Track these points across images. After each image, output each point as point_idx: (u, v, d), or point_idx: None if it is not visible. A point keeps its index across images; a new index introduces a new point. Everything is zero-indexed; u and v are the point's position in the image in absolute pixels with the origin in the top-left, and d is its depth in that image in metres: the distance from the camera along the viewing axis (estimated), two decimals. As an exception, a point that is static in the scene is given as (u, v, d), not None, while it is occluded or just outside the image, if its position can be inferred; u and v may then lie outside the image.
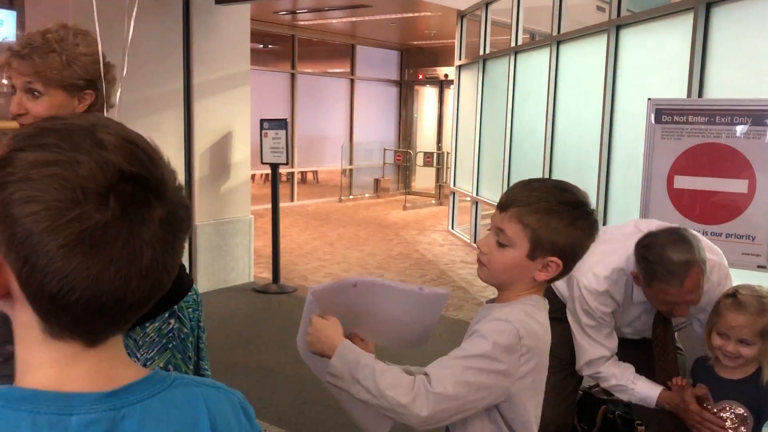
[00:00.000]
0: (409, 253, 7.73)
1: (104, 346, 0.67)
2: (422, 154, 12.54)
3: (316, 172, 13.56)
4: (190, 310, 2.02)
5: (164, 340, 1.95)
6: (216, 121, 5.81)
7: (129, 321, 0.67)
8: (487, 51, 7.93)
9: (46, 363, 0.64)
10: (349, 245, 8.18)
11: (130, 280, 0.62)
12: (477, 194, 8.05)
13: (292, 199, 11.55)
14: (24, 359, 0.65)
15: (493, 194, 7.54)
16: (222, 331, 4.79)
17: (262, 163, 6.09)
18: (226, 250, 5.99)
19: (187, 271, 2.12)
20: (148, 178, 0.63)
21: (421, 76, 13.22)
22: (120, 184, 0.61)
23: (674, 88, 4.09)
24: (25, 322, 0.64)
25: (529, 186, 1.49)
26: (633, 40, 4.78)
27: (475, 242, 8.09)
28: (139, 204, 0.62)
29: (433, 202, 12.05)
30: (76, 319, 0.63)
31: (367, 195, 12.74)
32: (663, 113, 3.46)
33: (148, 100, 5.26)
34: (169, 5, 5.32)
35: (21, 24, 7.81)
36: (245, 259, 6.19)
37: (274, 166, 6.01)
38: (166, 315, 1.96)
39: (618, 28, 4.87)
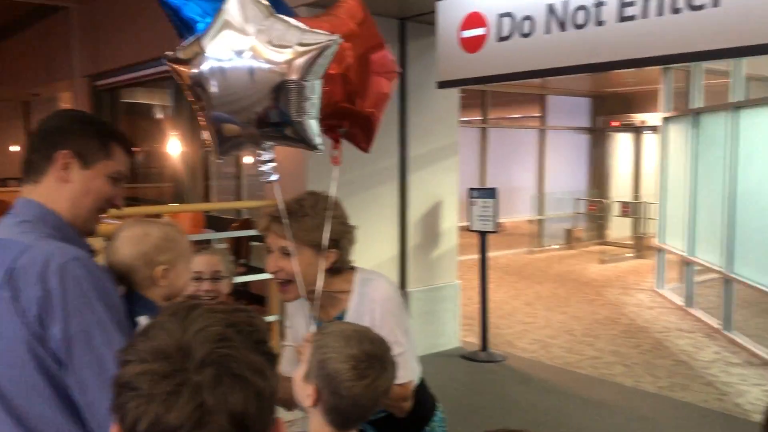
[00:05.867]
0: (616, 318, 7.39)
1: None
2: (618, 203, 12.04)
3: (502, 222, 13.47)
4: (440, 429, 2.16)
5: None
6: (427, 192, 5.99)
7: None
8: (700, 105, 7.49)
9: None
10: (549, 306, 7.99)
11: None
12: (691, 254, 7.55)
13: (483, 252, 11.55)
14: None
15: (710, 256, 7.03)
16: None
17: (470, 231, 6.17)
18: (435, 316, 6.11)
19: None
20: None
21: (615, 123, 12.76)
22: None
23: None
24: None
25: None
26: None
27: (689, 305, 7.57)
28: None
29: (631, 254, 11.47)
30: None
31: (557, 246, 12.44)
32: None
33: (367, 176, 5.55)
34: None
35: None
36: (453, 325, 6.26)
37: (483, 234, 6.06)
38: None
39: None
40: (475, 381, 5.50)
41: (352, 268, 2.08)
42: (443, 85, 4.78)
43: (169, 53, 1.92)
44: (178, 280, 1.76)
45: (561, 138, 12.79)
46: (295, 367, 1.58)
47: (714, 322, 6.84)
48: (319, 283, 1.96)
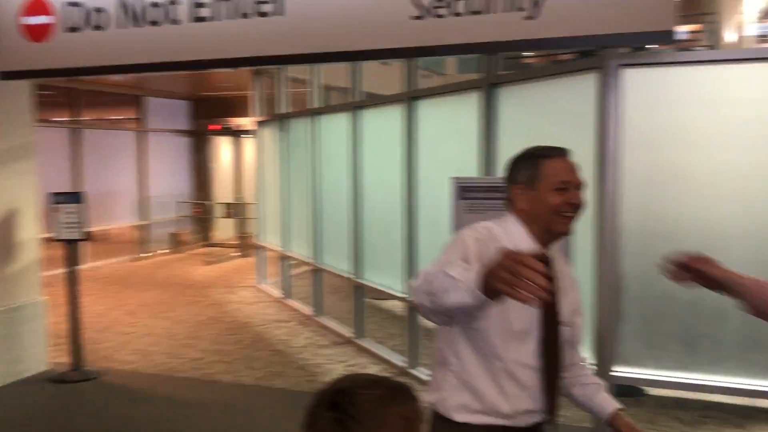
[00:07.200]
0: (220, 317, 7.50)
1: None
2: (222, 205, 12.30)
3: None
4: None
5: None
6: (-3, 199, 5.25)
7: None
8: (286, 110, 8.03)
9: None
10: (153, 313, 7.74)
11: None
12: (286, 249, 8.07)
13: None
14: None
15: (302, 250, 7.60)
16: (21, 438, 4.29)
17: (56, 241, 5.59)
18: (16, 339, 5.39)
19: None
20: None
21: (214, 127, 13.00)
22: None
23: (470, 158, 4.47)
24: None
25: None
26: (430, 110, 5.15)
27: (287, 297, 8.08)
28: None
29: (236, 254, 11.82)
30: None
31: (163, 251, 12.18)
32: (465, 190, 3.77)
33: None
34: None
35: None
36: (38, 347, 5.61)
37: (71, 243, 5.55)
38: None
39: (414, 99, 5.22)
40: (66, 403, 5.00)
41: None
42: (5, 76, 4.22)
43: None
44: None
45: (162, 141, 12.54)
46: None
47: (308, 310, 7.42)
48: None
